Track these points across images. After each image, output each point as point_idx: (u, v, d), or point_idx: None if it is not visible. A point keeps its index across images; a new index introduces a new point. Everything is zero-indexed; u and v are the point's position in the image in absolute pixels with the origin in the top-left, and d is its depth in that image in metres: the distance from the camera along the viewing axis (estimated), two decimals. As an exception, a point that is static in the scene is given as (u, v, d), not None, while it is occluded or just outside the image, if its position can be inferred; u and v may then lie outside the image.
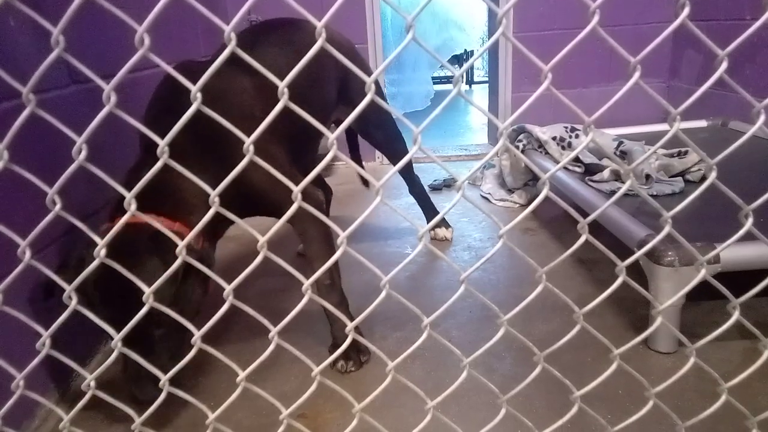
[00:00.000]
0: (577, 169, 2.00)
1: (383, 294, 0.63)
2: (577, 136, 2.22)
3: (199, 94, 0.50)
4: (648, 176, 1.79)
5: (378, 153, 3.24)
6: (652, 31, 2.97)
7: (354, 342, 1.27)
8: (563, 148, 2.20)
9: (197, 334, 0.65)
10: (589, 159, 2.00)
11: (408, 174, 2.02)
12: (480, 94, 5.83)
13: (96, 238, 0.59)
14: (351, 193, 2.68)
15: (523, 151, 2.27)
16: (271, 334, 0.64)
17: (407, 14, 0.49)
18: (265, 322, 0.65)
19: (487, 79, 4.18)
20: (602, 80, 3.17)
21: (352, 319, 1.32)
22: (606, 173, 1.87)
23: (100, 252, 0.58)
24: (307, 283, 0.62)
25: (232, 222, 1.28)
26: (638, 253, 0.67)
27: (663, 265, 1.23)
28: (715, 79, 0.54)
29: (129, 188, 0.56)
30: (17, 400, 0.71)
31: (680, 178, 1.84)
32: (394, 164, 1.96)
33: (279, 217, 0.65)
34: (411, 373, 1.26)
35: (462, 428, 0.77)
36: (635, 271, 1.11)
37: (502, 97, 3.22)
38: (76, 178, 0.57)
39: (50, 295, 1.09)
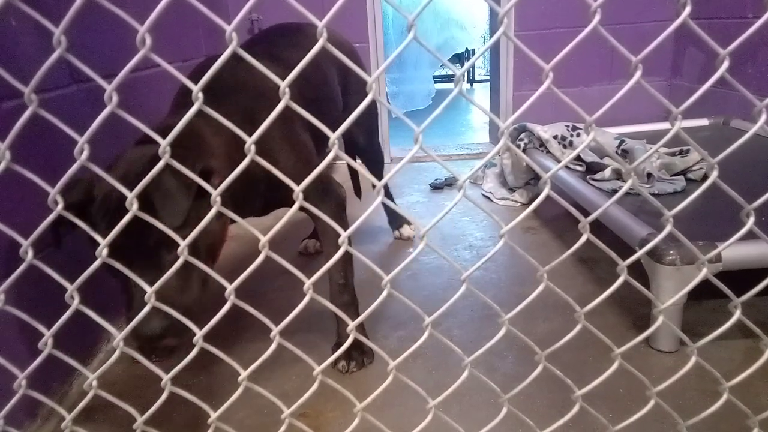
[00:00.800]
0: (579, 168, 2.00)
1: (385, 293, 0.63)
2: (578, 135, 2.22)
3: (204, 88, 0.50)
4: (649, 175, 1.79)
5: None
6: (654, 29, 2.96)
7: (357, 342, 1.27)
8: (564, 147, 2.20)
9: (199, 334, 0.65)
10: (590, 158, 2.00)
11: (379, 177, 2.01)
12: (481, 93, 5.83)
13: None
14: (352, 193, 2.68)
15: (524, 150, 2.26)
16: (272, 334, 0.64)
17: (408, 14, 0.49)
18: (267, 321, 0.65)
19: (488, 77, 4.18)
20: (603, 79, 3.16)
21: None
22: (607, 172, 1.87)
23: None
24: (308, 282, 0.62)
25: (264, 208, 1.27)
26: (640, 252, 0.66)
27: (664, 264, 1.23)
28: (717, 77, 0.54)
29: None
30: (19, 399, 0.71)
31: (682, 177, 1.84)
32: (370, 170, 1.97)
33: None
34: (412, 373, 1.26)
35: (463, 427, 0.77)
36: (637, 270, 1.10)
37: (504, 95, 3.22)
38: (76, 177, 0.58)
39: (59, 242, 1.00)
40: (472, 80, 6.41)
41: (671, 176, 1.85)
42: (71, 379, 1.27)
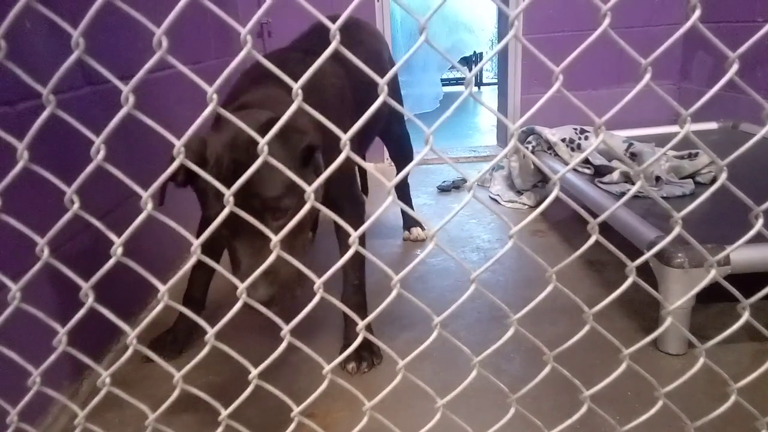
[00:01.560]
0: (587, 171, 2.00)
1: (394, 293, 0.63)
2: (586, 138, 2.22)
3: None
4: (658, 178, 1.78)
5: (386, 155, 3.25)
6: (663, 32, 2.96)
7: (367, 343, 1.28)
8: (572, 149, 2.20)
9: (211, 332, 0.66)
10: (598, 161, 2.00)
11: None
12: (489, 96, 5.82)
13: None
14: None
15: (532, 153, 2.27)
16: (283, 332, 0.65)
17: (420, 16, 0.50)
18: (277, 320, 0.66)
19: (496, 80, 4.18)
20: (612, 82, 3.16)
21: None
22: (615, 175, 1.87)
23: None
24: (318, 282, 0.63)
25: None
26: (648, 254, 0.67)
27: (673, 267, 1.23)
28: (726, 80, 0.54)
29: None
30: (33, 396, 0.72)
31: (690, 180, 1.83)
32: (398, 162, 2.11)
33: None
34: (420, 373, 1.27)
35: (471, 427, 0.78)
36: (645, 273, 1.10)
37: (512, 98, 3.22)
38: (90, 177, 0.59)
39: (163, 200, 1.00)
40: (480, 83, 6.41)
41: (680, 179, 1.84)
42: (82, 377, 1.28)
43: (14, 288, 0.66)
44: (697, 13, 0.52)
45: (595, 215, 0.60)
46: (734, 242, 0.67)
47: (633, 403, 1.12)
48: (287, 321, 0.66)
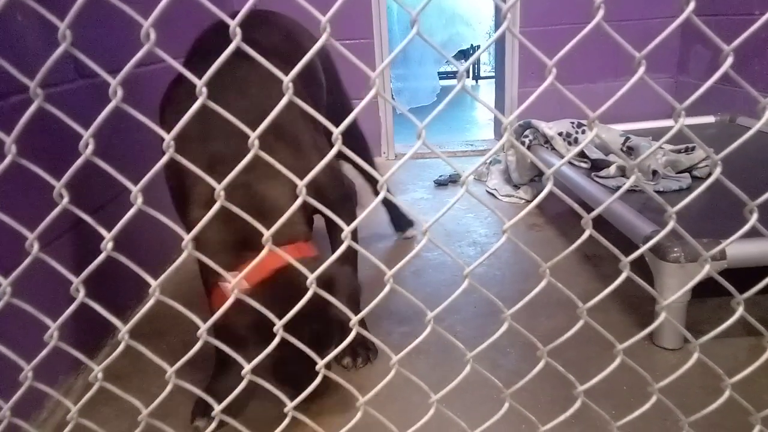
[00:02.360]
0: (584, 165, 2.00)
1: (387, 288, 0.63)
2: (583, 132, 2.21)
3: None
4: (654, 172, 1.78)
5: (383, 149, 3.24)
6: (660, 26, 2.95)
7: (361, 339, 1.28)
8: (569, 143, 2.20)
9: (203, 328, 0.65)
10: (595, 155, 2.00)
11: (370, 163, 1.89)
12: (486, 89, 5.82)
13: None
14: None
15: (529, 147, 2.26)
16: (275, 328, 0.64)
17: (412, 9, 0.49)
18: (271, 316, 0.65)
19: (493, 74, 4.17)
20: (609, 75, 3.15)
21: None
22: (612, 169, 1.87)
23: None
24: (311, 277, 0.63)
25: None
26: (643, 248, 0.66)
27: (669, 261, 1.22)
28: (721, 74, 0.54)
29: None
30: (26, 391, 0.72)
31: (687, 175, 1.83)
32: (361, 157, 1.96)
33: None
34: (415, 368, 1.27)
35: (466, 422, 0.77)
36: (641, 268, 1.10)
37: (509, 92, 3.21)
38: (83, 172, 0.58)
39: None
40: (477, 76, 6.40)
41: (677, 173, 1.84)
42: (77, 372, 1.28)
43: (4, 283, 0.65)
44: (691, 5, 0.52)
45: (591, 209, 0.60)
46: (731, 237, 0.66)
47: (628, 397, 1.13)
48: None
